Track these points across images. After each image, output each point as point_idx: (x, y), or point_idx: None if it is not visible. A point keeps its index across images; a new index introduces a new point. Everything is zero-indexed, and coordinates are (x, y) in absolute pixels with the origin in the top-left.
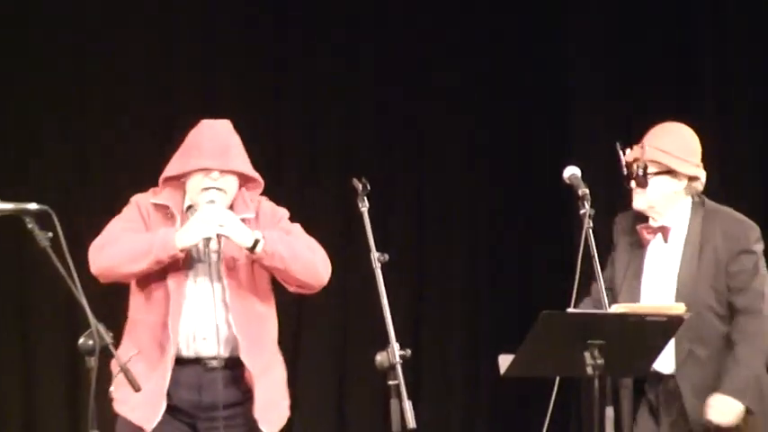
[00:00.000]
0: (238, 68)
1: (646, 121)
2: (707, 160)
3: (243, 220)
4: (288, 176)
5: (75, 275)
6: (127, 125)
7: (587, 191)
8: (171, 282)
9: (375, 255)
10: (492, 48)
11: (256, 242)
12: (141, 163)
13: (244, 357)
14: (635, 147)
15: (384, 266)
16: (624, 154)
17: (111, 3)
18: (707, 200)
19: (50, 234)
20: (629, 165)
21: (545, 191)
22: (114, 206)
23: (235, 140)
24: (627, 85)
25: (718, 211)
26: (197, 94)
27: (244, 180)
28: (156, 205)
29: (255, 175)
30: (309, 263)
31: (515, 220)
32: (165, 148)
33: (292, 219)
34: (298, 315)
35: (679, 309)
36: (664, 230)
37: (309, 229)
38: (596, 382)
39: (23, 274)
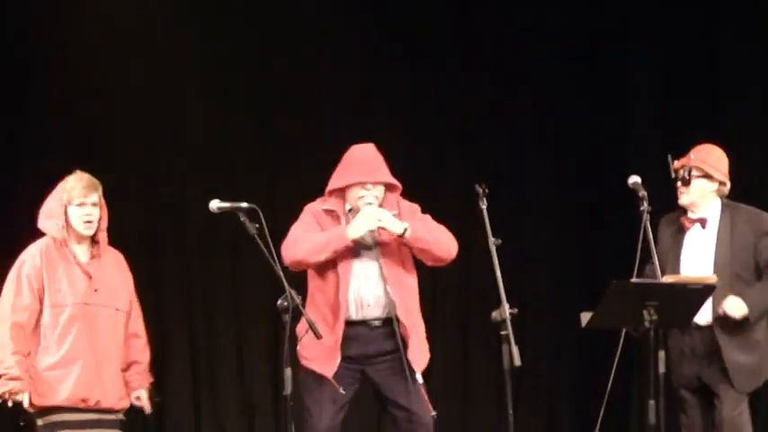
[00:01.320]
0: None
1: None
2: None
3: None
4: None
5: (275, 255)
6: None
7: (645, 193)
8: (340, 266)
9: (491, 240)
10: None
11: (405, 230)
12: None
13: (401, 316)
14: (682, 157)
15: (497, 248)
16: (673, 163)
17: None
18: (729, 201)
19: (257, 225)
20: (676, 170)
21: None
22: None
23: (379, 159)
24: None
25: (740, 207)
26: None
27: (388, 187)
28: (325, 210)
29: (396, 182)
30: (443, 242)
31: (592, 214)
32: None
33: (423, 211)
34: (434, 282)
35: (712, 279)
36: (702, 221)
37: (441, 220)
38: (651, 333)
39: (236, 255)
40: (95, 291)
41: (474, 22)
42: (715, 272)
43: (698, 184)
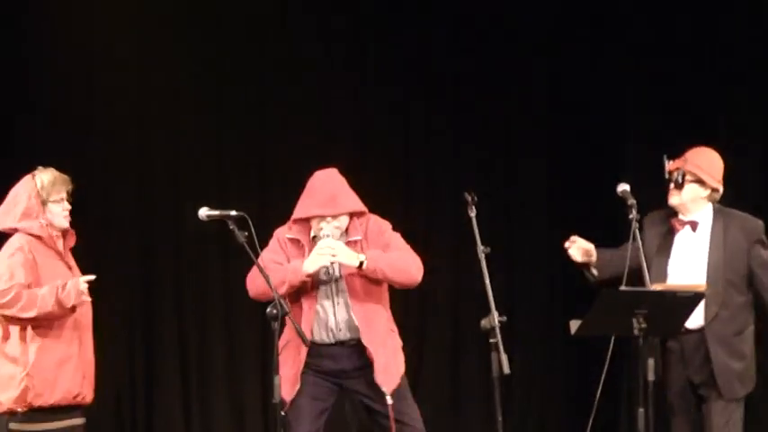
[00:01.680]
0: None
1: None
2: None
3: (354, 242)
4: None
5: None
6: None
7: (634, 201)
8: (304, 299)
9: (480, 247)
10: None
11: (361, 263)
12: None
13: (365, 341)
14: (677, 159)
15: (486, 256)
16: (668, 163)
17: None
18: (721, 206)
19: (246, 233)
20: (671, 172)
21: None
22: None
23: (341, 186)
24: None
25: (732, 213)
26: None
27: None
28: (290, 239)
29: (360, 209)
30: (404, 271)
31: (581, 222)
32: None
33: (395, 228)
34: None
35: (702, 287)
36: (693, 224)
37: (432, 227)
38: (641, 340)
39: (226, 263)
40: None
41: (472, 25)
42: (708, 277)
43: (690, 189)
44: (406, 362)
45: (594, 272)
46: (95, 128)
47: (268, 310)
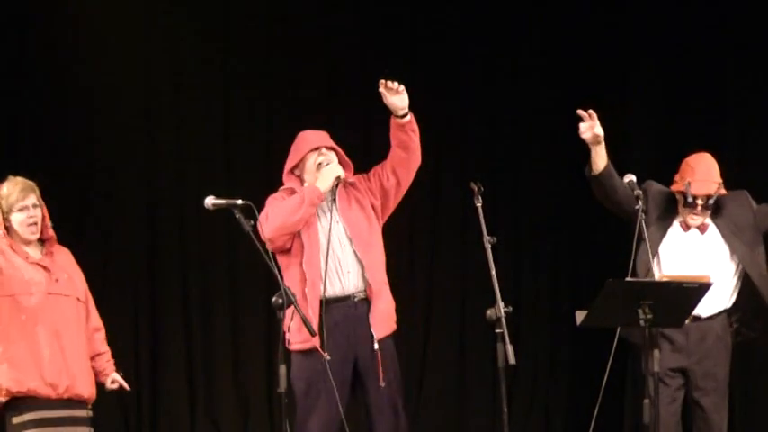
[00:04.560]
0: None
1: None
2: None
3: (344, 184)
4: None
5: (269, 251)
6: None
7: (641, 192)
8: (305, 236)
9: (486, 238)
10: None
11: (406, 114)
12: None
13: (369, 277)
14: (697, 181)
15: (492, 246)
16: (690, 191)
17: None
18: None
19: (252, 222)
20: (696, 196)
21: None
22: None
23: (328, 135)
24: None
25: (720, 202)
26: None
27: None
28: (285, 190)
29: (346, 157)
30: (419, 141)
31: (587, 212)
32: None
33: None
34: (430, 280)
35: (707, 278)
36: (703, 226)
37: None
38: (646, 331)
39: (232, 252)
40: (56, 281)
41: (473, 23)
42: (743, 265)
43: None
44: (412, 352)
45: (597, 165)
46: (100, 121)
47: (273, 299)
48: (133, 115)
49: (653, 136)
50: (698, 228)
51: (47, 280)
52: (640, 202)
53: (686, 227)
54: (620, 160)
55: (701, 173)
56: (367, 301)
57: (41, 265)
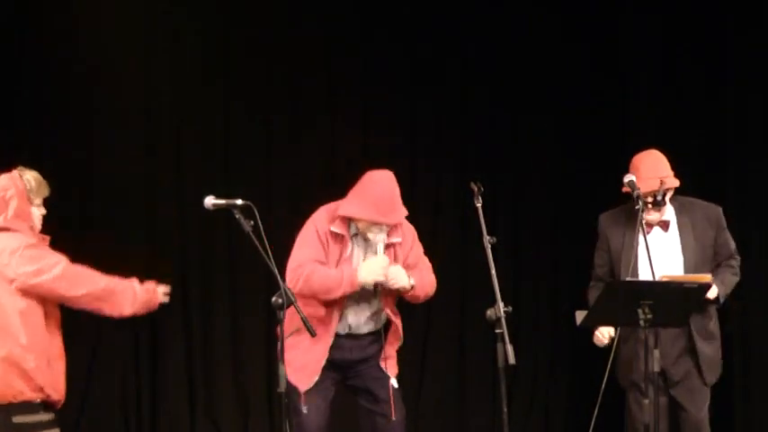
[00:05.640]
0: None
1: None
2: None
3: (392, 244)
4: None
5: (270, 252)
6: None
7: (640, 192)
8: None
9: (486, 238)
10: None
11: (412, 287)
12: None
13: (391, 333)
14: (642, 179)
15: (492, 246)
16: (636, 188)
17: None
18: (679, 197)
19: (252, 222)
20: (645, 194)
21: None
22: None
23: (398, 194)
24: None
25: (693, 203)
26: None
27: None
28: (332, 233)
29: (405, 215)
30: (427, 295)
31: (586, 212)
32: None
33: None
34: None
35: (707, 278)
36: (665, 224)
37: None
38: (647, 331)
39: (232, 252)
40: None
41: (473, 23)
42: (686, 271)
43: (668, 201)
44: (413, 352)
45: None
46: (100, 121)
47: (273, 299)
48: (133, 115)
49: (653, 136)
50: (660, 226)
51: None
52: (641, 202)
53: (648, 227)
54: (620, 160)
55: (645, 170)
56: (380, 340)
57: None
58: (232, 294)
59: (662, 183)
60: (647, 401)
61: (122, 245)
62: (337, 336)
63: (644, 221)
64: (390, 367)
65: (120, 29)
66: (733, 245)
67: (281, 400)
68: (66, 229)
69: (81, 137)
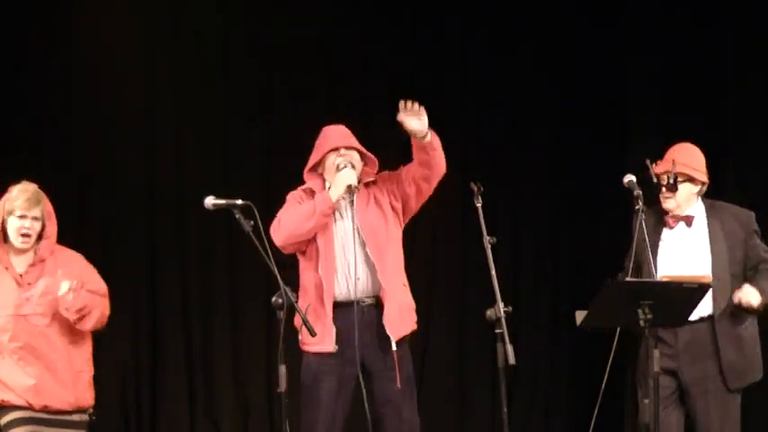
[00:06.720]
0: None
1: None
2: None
3: (367, 184)
4: None
5: (270, 252)
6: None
7: (641, 192)
8: (324, 252)
9: (486, 238)
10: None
11: (427, 134)
12: None
13: (380, 278)
14: (661, 161)
15: (492, 246)
16: (652, 166)
17: None
18: (710, 200)
19: (252, 222)
20: (658, 175)
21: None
22: None
23: (350, 133)
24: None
25: (723, 206)
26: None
27: (365, 160)
28: (305, 191)
29: (369, 154)
30: (442, 154)
31: (587, 213)
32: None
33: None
34: (430, 279)
35: (707, 278)
36: (688, 219)
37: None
38: (646, 332)
39: (232, 252)
40: (27, 299)
41: (473, 23)
42: (714, 271)
43: (684, 189)
44: (412, 352)
45: None
46: (100, 122)
47: (273, 299)
48: (133, 115)
49: (653, 136)
50: (683, 221)
51: (16, 299)
52: (640, 202)
53: (670, 222)
54: (620, 160)
55: (667, 154)
56: (378, 306)
57: (18, 281)
58: (232, 294)
59: (674, 163)
60: (647, 401)
61: (122, 245)
62: (341, 305)
63: (642, 221)
64: (391, 326)
65: (121, 29)
66: (764, 251)
67: (281, 400)
68: (66, 230)
69: (81, 137)
